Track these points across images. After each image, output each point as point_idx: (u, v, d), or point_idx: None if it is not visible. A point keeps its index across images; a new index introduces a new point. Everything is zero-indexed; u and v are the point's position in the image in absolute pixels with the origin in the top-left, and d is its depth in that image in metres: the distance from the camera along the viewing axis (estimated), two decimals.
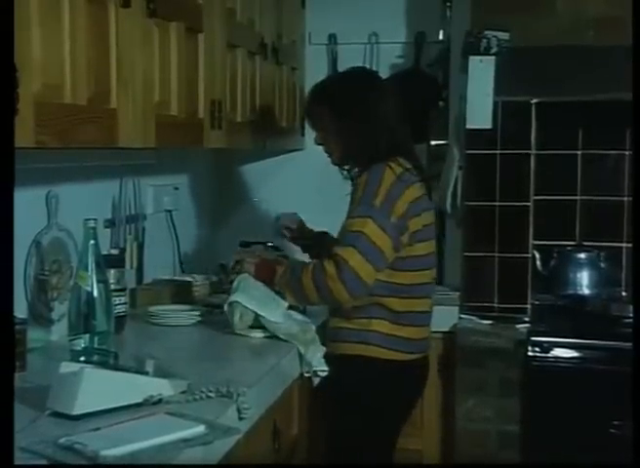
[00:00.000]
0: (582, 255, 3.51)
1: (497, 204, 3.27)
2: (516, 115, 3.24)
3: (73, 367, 1.83)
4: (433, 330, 2.70)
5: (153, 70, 2.27)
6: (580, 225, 3.60)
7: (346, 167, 2.62)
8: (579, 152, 3.58)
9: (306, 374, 2.50)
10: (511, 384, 3.11)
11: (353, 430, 2.52)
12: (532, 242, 3.32)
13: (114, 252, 2.82)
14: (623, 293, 3.48)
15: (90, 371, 1.80)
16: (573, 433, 3.01)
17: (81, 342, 2.13)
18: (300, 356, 2.48)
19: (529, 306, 3.28)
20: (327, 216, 2.78)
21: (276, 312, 2.54)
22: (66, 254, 2.57)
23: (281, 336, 2.52)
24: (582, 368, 3.04)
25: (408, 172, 2.47)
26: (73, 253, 2.55)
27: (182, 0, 2.52)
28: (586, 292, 3.47)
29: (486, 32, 3.18)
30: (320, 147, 2.64)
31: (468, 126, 3.25)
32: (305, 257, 2.92)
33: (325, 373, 2.50)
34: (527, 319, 3.23)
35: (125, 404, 1.81)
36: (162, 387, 1.89)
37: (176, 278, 3.26)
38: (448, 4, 3.69)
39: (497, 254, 3.28)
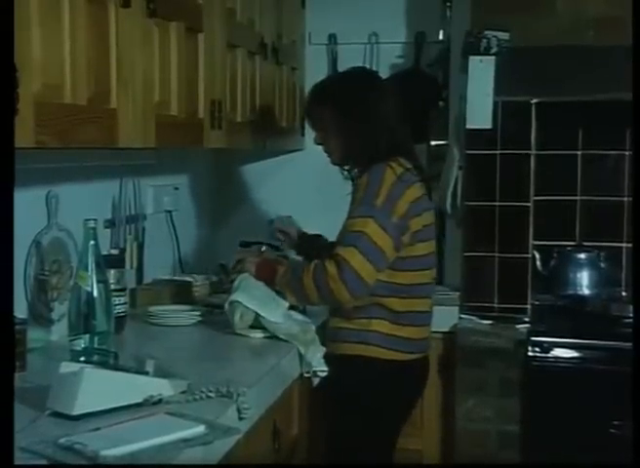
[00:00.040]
0: (582, 255, 3.51)
1: (497, 204, 3.27)
2: (516, 115, 3.24)
3: (73, 367, 1.83)
4: (433, 330, 2.70)
5: (153, 70, 2.27)
6: (580, 225, 3.59)
7: (347, 167, 2.62)
8: (579, 152, 3.58)
9: (306, 375, 2.50)
10: (511, 384, 3.11)
11: (353, 430, 2.52)
12: (532, 242, 3.32)
13: (114, 252, 2.82)
14: (623, 293, 3.48)
15: (90, 371, 1.80)
16: (573, 433, 3.01)
17: (81, 342, 2.13)
18: (300, 356, 2.48)
19: (529, 306, 3.28)
20: (327, 216, 2.78)
21: (276, 312, 2.54)
22: (66, 254, 2.57)
23: (281, 337, 2.52)
24: (582, 368, 3.04)
25: (408, 172, 2.47)
26: (73, 253, 2.55)
27: (182, 0, 2.52)
28: (586, 292, 3.47)
29: (486, 32, 3.18)
30: (320, 147, 2.64)
31: (468, 126, 3.25)
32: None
33: (325, 374, 2.50)
34: (527, 319, 3.23)
35: (125, 404, 1.81)
36: (162, 387, 1.89)
37: (176, 278, 3.25)
38: (448, 4, 3.69)
39: (497, 254, 3.28)
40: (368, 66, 3.60)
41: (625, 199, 3.55)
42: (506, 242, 3.28)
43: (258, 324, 2.55)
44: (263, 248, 3.00)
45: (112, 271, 2.50)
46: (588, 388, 3.01)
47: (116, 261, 2.67)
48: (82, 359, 2.03)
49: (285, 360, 2.40)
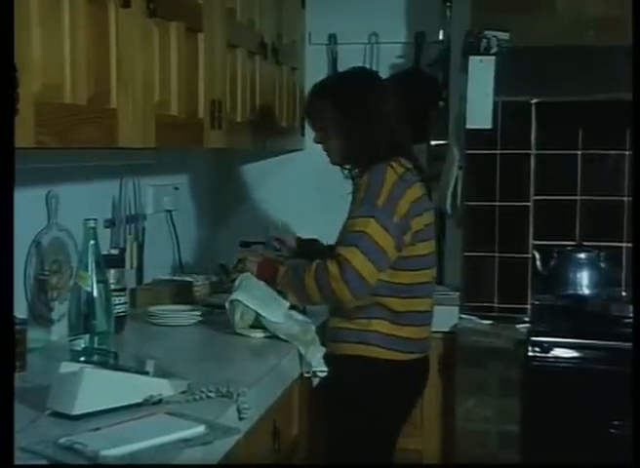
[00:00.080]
0: (582, 255, 3.51)
1: (497, 204, 3.27)
2: (516, 115, 3.24)
3: (73, 367, 1.83)
4: (433, 330, 2.70)
5: (153, 70, 2.27)
6: (580, 225, 3.59)
7: (347, 166, 2.62)
8: (579, 152, 3.58)
9: (306, 375, 2.50)
10: (511, 384, 3.11)
11: (353, 430, 2.52)
12: (532, 242, 3.32)
13: (114, 252, 2.82)
14: (623, 293, 3.48)
15: (90, 371, 1.80)
16: (573, 433, 3.01)
17: (81, 342, 2.13)
18: (300, 356, 2.48)
19: (529, 306, 3.28)
20: (327, 216, 2.78)
21: (277, 312, 2.54)
22: (66, 254, 2.57)
23: (281, 337, 2.52)
24: (582, 368, 3.04)
25: (409, 171, 2.48)
26: (73, 253, 2.55)
27: (182, 0, 2.52)
28: (586, 292, 3.47)
29: (486, 32, 3.18)
30: (320, 147, 2.64)
31: (468, 126, 3.25)
32: None
33: (324, 374, 2.50)
34: (527, 319, 3.23)
35: (125, 404, 1.81)
36: (162, 387, 1.89)
37: (176, 278, 3.25)
38: (448, 4, 3.69)
39: (497, 254, 3.28)
40: (368, 66, 3.60)
41: (625, 199, 3.55)
42: (506, 242, 3.28)
43: (258, 323, 2.55)
44: (264, 248, 3.01)
45: (112, 271, 2.50)
46: (588, 388, 3.00)
47: (116, 261, 2.67)
48: (82, 359, 2.03)
49: (285, 360, 2.40)
